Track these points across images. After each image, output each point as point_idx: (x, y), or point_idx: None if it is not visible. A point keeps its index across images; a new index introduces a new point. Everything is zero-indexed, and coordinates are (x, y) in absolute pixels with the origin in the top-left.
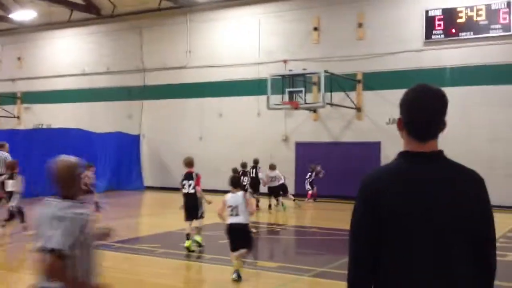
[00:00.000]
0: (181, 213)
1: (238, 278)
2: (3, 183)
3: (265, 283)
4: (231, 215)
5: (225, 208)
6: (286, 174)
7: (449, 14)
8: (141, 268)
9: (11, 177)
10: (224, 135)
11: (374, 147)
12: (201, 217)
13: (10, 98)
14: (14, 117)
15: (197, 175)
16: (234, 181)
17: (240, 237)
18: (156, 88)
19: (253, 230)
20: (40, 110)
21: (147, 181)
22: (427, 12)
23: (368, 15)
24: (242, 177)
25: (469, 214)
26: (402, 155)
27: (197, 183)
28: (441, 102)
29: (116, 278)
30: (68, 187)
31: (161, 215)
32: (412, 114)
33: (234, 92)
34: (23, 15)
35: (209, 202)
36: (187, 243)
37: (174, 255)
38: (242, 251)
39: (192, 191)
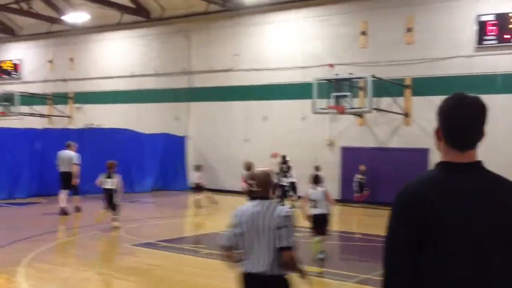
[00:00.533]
0: (226, 215)
1: (324, 257)
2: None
3: None
4: (313, 207)
5: (307, 201)
6: (330, 179)
7: (502, 19)
8: (185, 267)
9: (109, 176)
10: (269, 138)
11: (422, 154)
12: None
13: (62, 98)
14: (66, 116)
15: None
16: (316, 179)
17: (322, 224)
18: (203, 91)
19: (297, 234)
20: (91, 110)
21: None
22: (479, 17)
23: (417, 19)
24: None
25: (509, 224)
26: (440, 165)
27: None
28: (480, 111)
29: (161, 276)
30: (267, 189)
31: (205, 216)
32: (450, 123)
33: (280, 96)
34: (76, 17)
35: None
36: None
37: (218, 256)
38: (324, 236)
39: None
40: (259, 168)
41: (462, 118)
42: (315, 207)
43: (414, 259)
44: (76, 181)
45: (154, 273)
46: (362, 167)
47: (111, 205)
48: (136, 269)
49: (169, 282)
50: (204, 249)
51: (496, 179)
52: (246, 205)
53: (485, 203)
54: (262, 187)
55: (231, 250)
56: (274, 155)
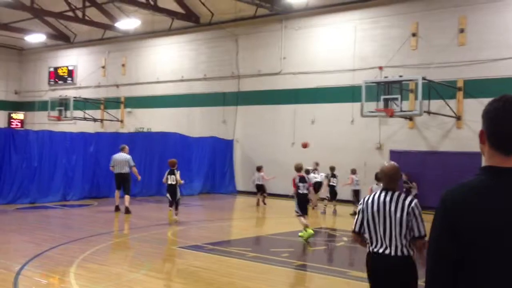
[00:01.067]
0: (272, 219)
1: None
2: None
3: None
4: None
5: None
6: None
7: None
8: (232, 270)
9: (172, 173)
10: (317, 142)
11: (474, 158)
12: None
13: (114, 103)
14: (118, 120)
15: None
16: (378, 176)
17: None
18: (250, 94)
19: (344, 238)
20: (141, 114)
21: (239, 186)
22: None
23: (470, 19)
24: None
25: None
26: (485, 170)
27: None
28: None
29: (207, 278)
30: (395, 181)
31: (251, 219)
32: (494, 125)
33: (328, 99)
34: (128, 24)
35: None
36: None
37: (264, 259)
38: None
39: (306, 191)
40: (387, 162)
41: (508, 121)
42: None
43: (456, 268)
44: (139, 177)
45: (201, 275)
46: (405, 176)
47: (174, 200)
48: (183, 271)
49: (216, 284)
50: (251, 252)
51: None
52: (376, 195)
53: None
54: (390, 179)
55: (361, 235)
56: (304, 145)
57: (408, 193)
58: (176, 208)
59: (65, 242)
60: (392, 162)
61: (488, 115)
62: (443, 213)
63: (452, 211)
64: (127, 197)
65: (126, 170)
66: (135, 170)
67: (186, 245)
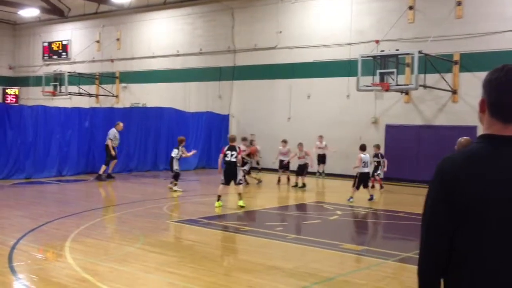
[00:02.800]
0: (268, 193)
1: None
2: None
3: (349, 265)
4: (364, 167)
5: (360, 162)
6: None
7: None
8: (227, 244)
9: (177, 148)
10: (313, 117)
11: (469, 132)
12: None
13: (109, 78)
14: (113, 95)
15: (239, 148)
16: (363, 146)
17: (367, 180)
18: (246, 69)
19: (338, 212)
20: (137, 89)
21: None
22: None
23: None
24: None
25: None
26: (483, 138)
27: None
28: None
29: (203, 252)
30: None
31: (247, 194)
32: (495, 94)
33: (324, 73)
34: None
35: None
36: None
37: (259, 233)
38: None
39: (234, 159)
40: (463, 138)
41: (509, 90)
42: (365, 166)
43: (452, 238)
44: (112, 153)
45: (196, 249)
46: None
47: (172, 172)
48: (178, 245)
49: (211, 257)
50: (246, 226)
51: None
52: None
53: None
54: None
55: None
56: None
57: (376, 169)
58: (175, 179)
59: (60, 216)
60: (468, 138)
61: (490, 84)
62: (440, 181)
63: (449, 179)
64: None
65: (107, 143)
66: (107, 143)
67: (181, 220)
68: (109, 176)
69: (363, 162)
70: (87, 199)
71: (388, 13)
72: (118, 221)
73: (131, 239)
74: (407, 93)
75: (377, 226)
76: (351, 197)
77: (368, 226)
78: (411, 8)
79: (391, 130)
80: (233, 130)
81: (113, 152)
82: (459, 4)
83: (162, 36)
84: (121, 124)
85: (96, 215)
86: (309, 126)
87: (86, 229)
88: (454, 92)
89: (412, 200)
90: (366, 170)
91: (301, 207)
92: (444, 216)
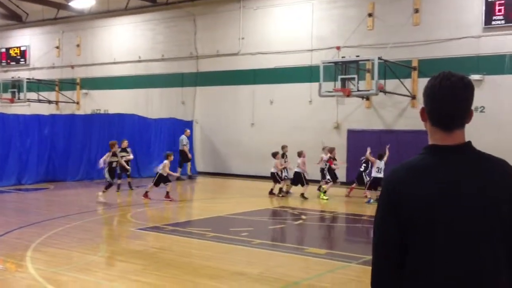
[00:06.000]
0: (232, 199)
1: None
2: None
3: (313, 269)
4: (377, 172)
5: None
6: (337, 162)
7: None
8: (192, 250)
9: (115, 155)
10: (276, 122)
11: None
12: None
13: (69, 84)
14: (74, 102)
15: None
16: (380, 156)
17: (378, 184)
18: (209, 75)
19: (303, 217)
20: (98, 95)
21: (199, 166)
22: None
23: (425, 0)
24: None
25: (499, 205)
26: (426, 149)
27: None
28: (465, 90)
29: (167, 259)
30: None
31: (212, 200)
32: (433, 103)
33: (286, 79)
34: (82, 3)
35: None
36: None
37: (224, 239)
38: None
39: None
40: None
41: (445, 97)
42: (380, 171)
43: (402, 249)
44: None
45: (161, 256)
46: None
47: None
48: (142, 253)
49: (176, 265)
50: (211, 232)
51: (486, 160)
52: None
53: (472, 185)
54: None
55: None
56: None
57: (331, 173)
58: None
59: (21, 226)
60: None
61: (426, 92)
62: (387, 193)
63: (394, 194)
64: None
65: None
66: (183, 149)
67: (145, 227)
68: (190, 177)
69: (377, 167)
70: (48, 208)
71: (348, 20)
72: (81, 229)
73: (94, 248)
74: (368, 98)
75: (340, 229)
76: (370, 199)
77: (332, 230)
78: (370, 15)
79: (352, 135)
80: (197, 136)
81: (189, 155)
82: (416, 11)
83: (123, 42)
84: (188, 131)
85: (58, 224)
86: (272, 132)
87: (48, 238)
88: (413, 97)
89: (374, 203)
90: (379, 175)
91: (266, 212)
92: (394, 228)
